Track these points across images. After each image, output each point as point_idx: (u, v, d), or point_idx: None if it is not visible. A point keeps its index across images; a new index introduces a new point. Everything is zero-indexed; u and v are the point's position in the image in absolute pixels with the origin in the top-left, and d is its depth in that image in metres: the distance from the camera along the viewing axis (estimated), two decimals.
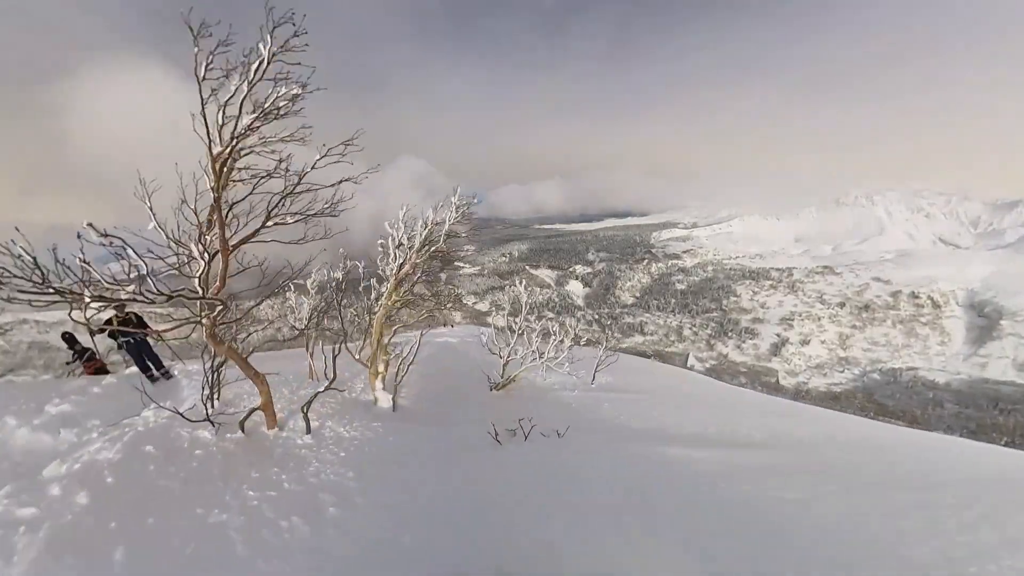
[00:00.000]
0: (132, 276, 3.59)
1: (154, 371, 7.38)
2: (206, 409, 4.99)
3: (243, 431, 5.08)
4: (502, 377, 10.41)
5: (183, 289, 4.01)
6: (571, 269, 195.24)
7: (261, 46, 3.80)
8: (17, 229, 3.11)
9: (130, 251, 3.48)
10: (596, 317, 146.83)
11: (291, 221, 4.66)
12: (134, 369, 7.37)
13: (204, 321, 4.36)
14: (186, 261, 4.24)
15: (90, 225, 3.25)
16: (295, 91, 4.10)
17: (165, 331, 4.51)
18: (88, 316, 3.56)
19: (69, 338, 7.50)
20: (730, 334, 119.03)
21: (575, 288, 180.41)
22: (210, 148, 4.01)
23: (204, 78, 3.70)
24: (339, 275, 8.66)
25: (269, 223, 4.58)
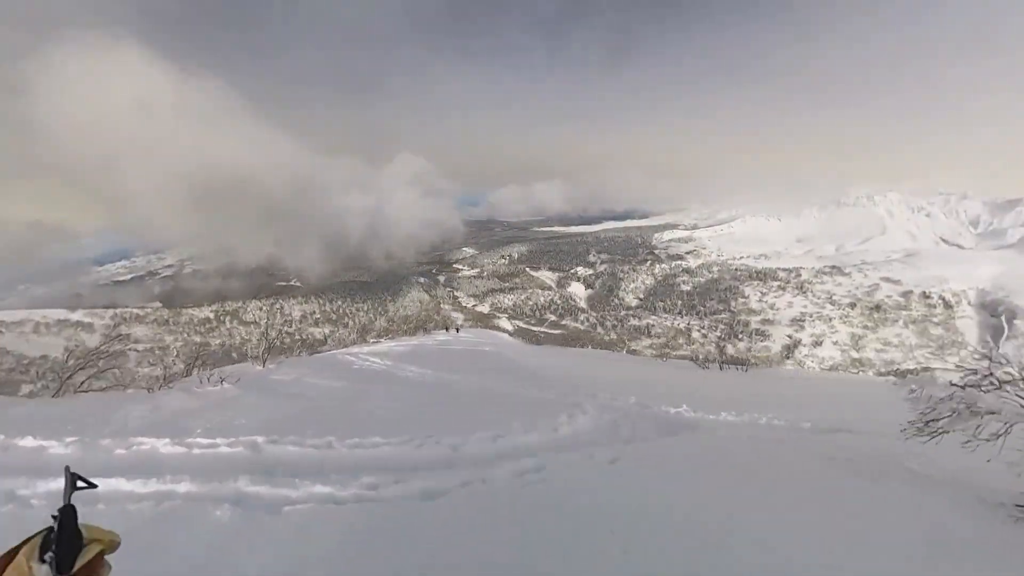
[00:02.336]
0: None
1: None
2: None
3: None
4: None
5: None
6: (572, 271, 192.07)
7: None
8: None
9: None
10: (600, 319, 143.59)
11: None
12: None
13: None
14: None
15: None
16: None
17: None
18: None
19: None
20: (740, 336, 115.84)
21: (577, 290, 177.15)
22: None
23: None
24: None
25: None
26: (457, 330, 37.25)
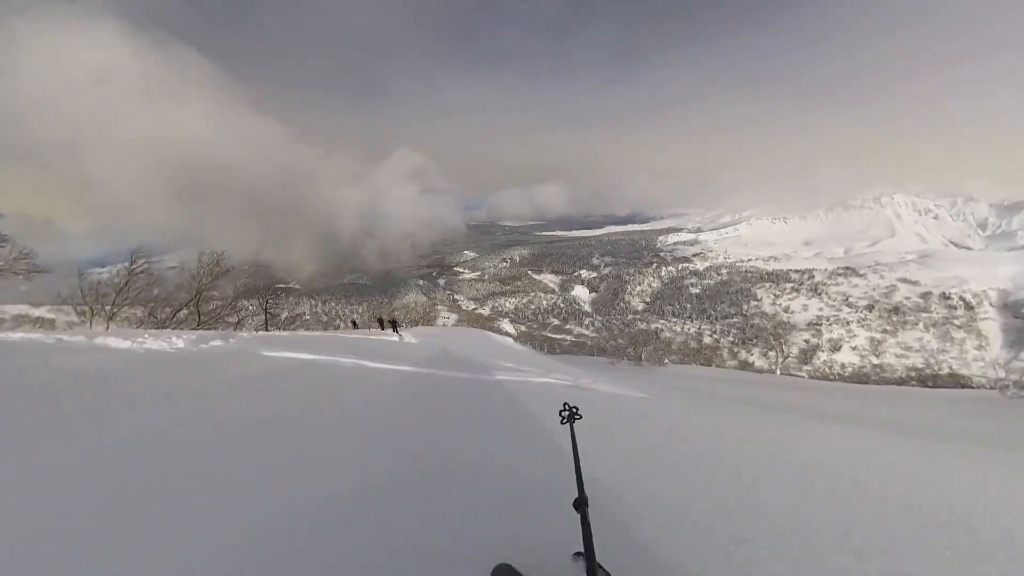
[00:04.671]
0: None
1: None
2: None
3: None
4: None
5: None
6: (576, 274, 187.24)
7: None
8: None
9: None
10: (606, 323, 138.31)
11: None
12: None
13: None
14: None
15: None
16: None
17: None
18: None
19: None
20: (755, 340, 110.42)
21: (581, 293, 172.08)
22: None
23: None
24: None
25: None
26: (394, 327, 19.94)
